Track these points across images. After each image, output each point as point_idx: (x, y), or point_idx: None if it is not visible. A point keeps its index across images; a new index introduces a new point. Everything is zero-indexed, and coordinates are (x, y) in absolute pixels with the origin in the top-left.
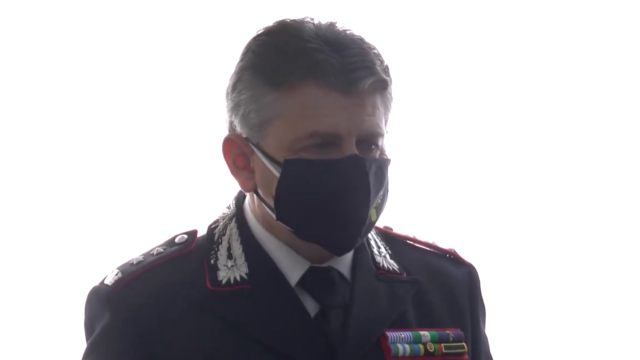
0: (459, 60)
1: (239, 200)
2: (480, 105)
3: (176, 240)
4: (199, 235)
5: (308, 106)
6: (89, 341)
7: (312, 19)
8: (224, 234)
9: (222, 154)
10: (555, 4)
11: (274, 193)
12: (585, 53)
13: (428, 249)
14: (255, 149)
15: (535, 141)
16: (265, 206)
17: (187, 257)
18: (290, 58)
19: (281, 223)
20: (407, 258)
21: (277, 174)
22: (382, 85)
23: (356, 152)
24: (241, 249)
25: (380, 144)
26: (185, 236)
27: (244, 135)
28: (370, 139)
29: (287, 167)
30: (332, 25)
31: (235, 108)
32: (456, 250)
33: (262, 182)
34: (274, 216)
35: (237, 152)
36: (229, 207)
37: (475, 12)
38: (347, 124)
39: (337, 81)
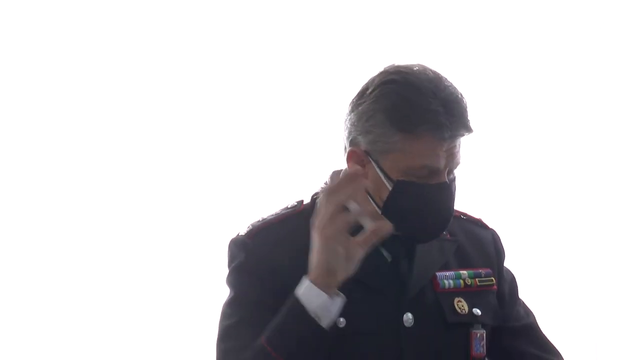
0: (461, 60)
1: (333, 179)
2: (481, 105)
3: (289, 205)
4: (304, 202)
5: (424, 148)
6: (228, 275)
7: (424, 71)
8: None
9: (347, 159)
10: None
11: (382, 197)
12: (588, 54)
13: (464, 217)
14: (373, 163)
15: (536, 141)
16: (371, 200)
17: (297, 216)
18: (417, 115)
19: (382, 215)
20: (453, 222)
21: (389, 186)
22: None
23: (446, 179)
24: None
25: None
26: (295, 202)
27: (365, 149)
28: (454, 169)
29: (399, 185)
30: (440, 80)
31: (365, 131)
32: (482, 219)
33: (374, 185)
34: (377, 209)
35: (356, 159)
36: (326, 183)
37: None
38: (445, 162)
39: (446, 135)
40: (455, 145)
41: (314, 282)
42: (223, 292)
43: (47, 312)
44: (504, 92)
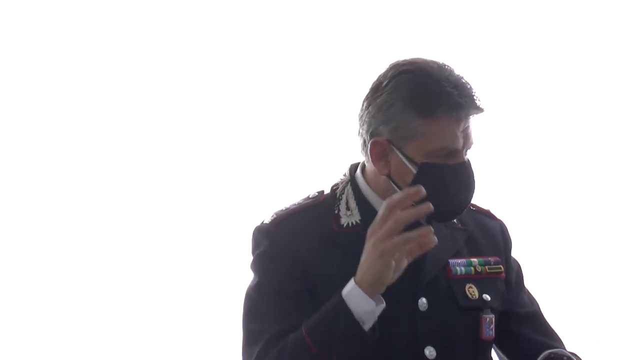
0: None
1: (352, 171)
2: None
3: (310, 195)
4: (325, 193)
5: (443, 131)
6: (252, 261)
7: (431, 61)
8: (343, 193)
9: (370, 151)
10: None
11: (407, 182)
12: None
13: (474, 208)
14: (396, 150)
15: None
16: (394, 185)
17: (318, 206)
18: (434, 98)
19: None
20: (464, 213)
21: (413, 170)
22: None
23: (465, 159)
24: (355, 203)
25: None
26: (316, 193)
27: (387, 138)
28: (469, 149)
29: (423, 167)
30: (447, 67)
31: (386, 121)
32: (490, 210)
33: (397, 171)
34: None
35: (379, 149)
36: (345, 175)
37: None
38: (463, 141)
39: (462, 115)
40: (469, 125)
41: (363, 288)
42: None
43: (46, 312)
44: (503, 90)
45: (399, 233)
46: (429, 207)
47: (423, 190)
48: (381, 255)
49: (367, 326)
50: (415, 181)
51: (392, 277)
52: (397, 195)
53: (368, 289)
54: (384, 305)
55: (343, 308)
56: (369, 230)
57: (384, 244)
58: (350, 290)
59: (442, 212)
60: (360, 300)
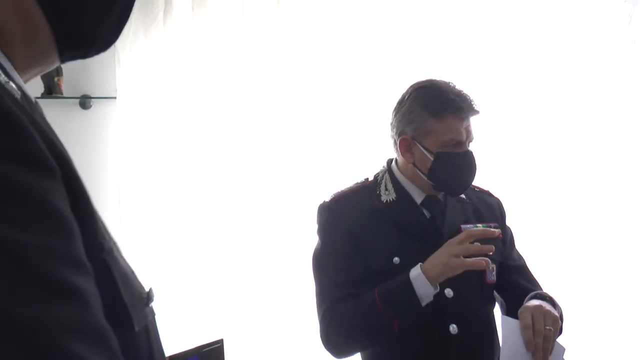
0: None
1: (388, 163)
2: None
3: (358, 181)
4: (369, 179)
5: (451, 128)
6: (317, 229)
7: (439, 80)
8: (382, 179)
9: (400, 147)
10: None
11: (427, 167)
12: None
13: (477, 189)
14: (418, 144)
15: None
16: (419, 171)
17: (364, 189)
18: (443, 104)
19: (428, 180)
20: (470, 192)
21: (431, 158)
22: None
23: (468, 149)
24: (392, 185)
25: None
26: (363, 179)
27: (411, 135)
28: (471, 141)
29: (438, 155)
30: (454, 84)
31: (409, 122)
32: (489, 190)
33: (420, 160)
34: (423, 177)
35: (405, 144)
36: (383, 166)
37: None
38: (465, 135)
39: (464, 116)
40: (470, 124)
41: (427, 276)
42: None
43: None
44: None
45: (469, 263)
46: (485, 263)
47: (498, 232)
48: (448, 262)
49: (424, 303)
50: (433, 166)
51: (448, 276)
52: (478, 230)
53: (432, 278)
54: (437, 289)
55: (410, 288)
56: (447, 243)
57: (456, 258)
58: (417, 276)
59: (453, 188)
60: (423, 285)
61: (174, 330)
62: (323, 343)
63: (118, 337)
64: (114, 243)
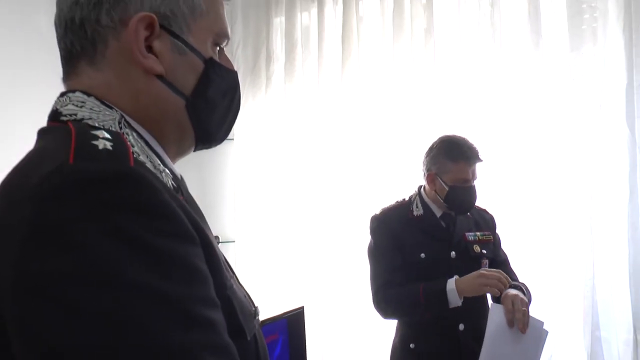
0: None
1: (419, 189)
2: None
3: (398, 200)
4: (405, 199)
5: (462, 171)
6: (370, 232)
7: (457, 136)
8: (414, 199)
9: (427, 179)
10: None
11: (444, 195)
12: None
13: (477, 208)
14: (439, 179)
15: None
16: (438, 197)
17: (402, 205)
18: (458, 154)
19: (444, 202)
20: (472, 210)
21: (447, 189)
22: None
23: (472, 184)
24: (420, 204)
25: None
26: (402, 199)
27: (435, 172)
28: (475, 179)
29: (451, 188)
30: (467, 139)
31: (434, 163)
32: (486, 209)
33: (439, 189)
34: (441, 200)
35: (430, 178)
36: (415, 191)
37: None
38: (471, 175)
39: (471, 163)
40: (475, 168)
41: (458, 290)
42: None
43: None
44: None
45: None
46: (497, 289)
47: (508, 281)
48: (478, 288)
49: (451, 305)
50: (448, 194)
51: (473, 295)
52: (502, 276)
53: (461, 293)
54: (462, 299)
55: (444, 295)
56: (479, 273)
57: (484, 286)
58: (451, 290)
59: (461, 209)
60: (454, 296)
61: (264, 299)
62: (375, 308)
63: (236, 346)
64: (232, 276)
